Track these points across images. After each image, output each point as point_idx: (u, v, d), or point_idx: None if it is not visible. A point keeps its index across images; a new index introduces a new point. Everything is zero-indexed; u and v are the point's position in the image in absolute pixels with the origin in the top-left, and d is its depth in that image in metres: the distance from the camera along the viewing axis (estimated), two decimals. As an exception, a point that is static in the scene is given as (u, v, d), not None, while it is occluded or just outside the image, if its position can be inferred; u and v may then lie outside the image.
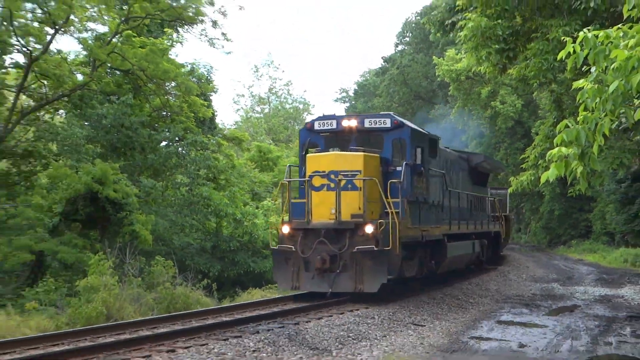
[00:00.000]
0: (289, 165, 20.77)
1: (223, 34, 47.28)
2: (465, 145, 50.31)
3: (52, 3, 23.17)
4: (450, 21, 31.82)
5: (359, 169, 17.68)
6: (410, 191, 18.77)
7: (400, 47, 77.02)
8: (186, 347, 12.14)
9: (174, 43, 36.08)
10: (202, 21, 29.70)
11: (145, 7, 27.19)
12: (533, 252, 47.48)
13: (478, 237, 27.52)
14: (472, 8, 19.49)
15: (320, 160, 18.28)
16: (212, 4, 28.62)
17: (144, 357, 11.43)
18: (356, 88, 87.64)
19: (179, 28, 33.20)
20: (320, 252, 17.39)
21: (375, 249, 17.11)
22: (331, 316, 15.82)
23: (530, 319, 18.15)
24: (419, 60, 68.62)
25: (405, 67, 69.89)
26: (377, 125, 19.19)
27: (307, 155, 18.99)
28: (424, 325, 16.33)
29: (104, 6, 26.70)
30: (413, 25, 72.00)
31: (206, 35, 32.42)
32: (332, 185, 17.55)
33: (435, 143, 21.70)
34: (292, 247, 17.82)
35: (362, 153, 18.00)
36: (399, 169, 18.44)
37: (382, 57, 79.77)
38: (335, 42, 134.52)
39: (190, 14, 29.01)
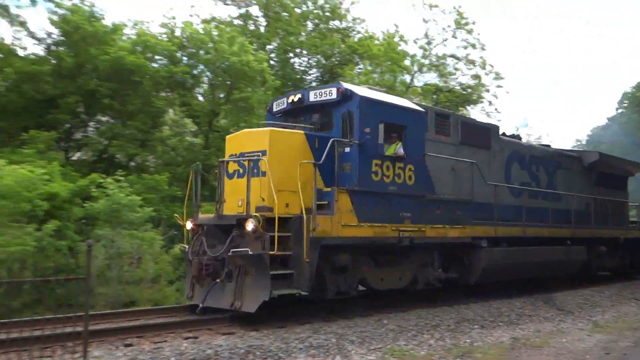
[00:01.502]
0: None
1: (496, 109, 46.46)
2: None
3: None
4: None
5: (264, 148, 8.72)
6: (357, 178, 9.11)
7: (619, 110, 69.19)
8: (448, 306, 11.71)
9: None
10: (482, 102, 29.48)
11: (447, 95, 27.61)
12: None
13: (591, 243, 15.49)
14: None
15: (233, 142, 9.55)
16: (488, 91, 28.58)
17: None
18: (588, 139, 79.95)
19: (467, 106, 32.83)
20: (200, 255, 8.83)
21: (249, 252, 8.03)
22: (573, 289, 14.20)
23: None
24: (634, 118, 60.89)
25: (623, 124, 62.83)
26: (323, 98, 9.71)
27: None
28: (643, 301, 14.24)
29: (422, 96, 27.49)
30: (629, 95, 64.25)
31: (484, 110, 31.72)
32: (241, 170, 8.95)
33: (446, 121, 11.23)
34: (187, 247, 9.36)
35: (269, 129, 9.06)
36: (347, 150, 9.18)
37: (607, 117, 72.42)
38: (567, 106, 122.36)
39: (474, 97, 29.04)
